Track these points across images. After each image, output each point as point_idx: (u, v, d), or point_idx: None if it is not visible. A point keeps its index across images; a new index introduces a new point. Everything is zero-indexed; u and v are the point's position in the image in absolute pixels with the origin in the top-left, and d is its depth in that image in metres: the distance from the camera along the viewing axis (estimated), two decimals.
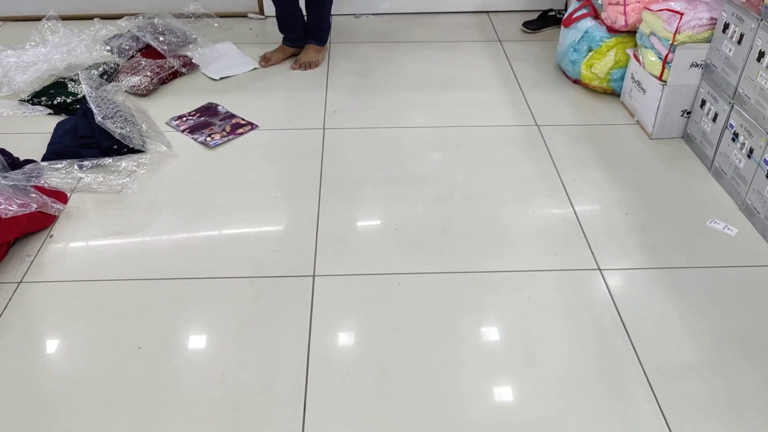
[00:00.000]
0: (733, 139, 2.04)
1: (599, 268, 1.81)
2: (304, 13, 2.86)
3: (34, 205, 1.89)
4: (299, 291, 1.74)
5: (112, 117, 2.23)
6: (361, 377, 1.50)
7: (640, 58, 2.37)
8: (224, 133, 2.40)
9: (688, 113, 2.31)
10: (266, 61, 2.88)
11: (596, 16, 2.63)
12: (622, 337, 1.60)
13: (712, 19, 2.14)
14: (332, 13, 3.22)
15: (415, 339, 1.60)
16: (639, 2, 2.40)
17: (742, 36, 1.98)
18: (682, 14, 2.15)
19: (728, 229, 1.94)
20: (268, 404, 1.44)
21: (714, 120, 2.15)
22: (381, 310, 1.68)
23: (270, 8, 3.30)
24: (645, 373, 1.51)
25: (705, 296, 1.72)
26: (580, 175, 2.20)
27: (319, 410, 1.43)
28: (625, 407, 1.44)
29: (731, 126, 2.06)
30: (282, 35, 2.91)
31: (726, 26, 2.06)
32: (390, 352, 1.57)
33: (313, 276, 1.79)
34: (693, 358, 1.55)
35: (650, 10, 2.29)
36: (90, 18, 3.10)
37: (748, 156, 1.97)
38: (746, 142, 1.98)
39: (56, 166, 2.13)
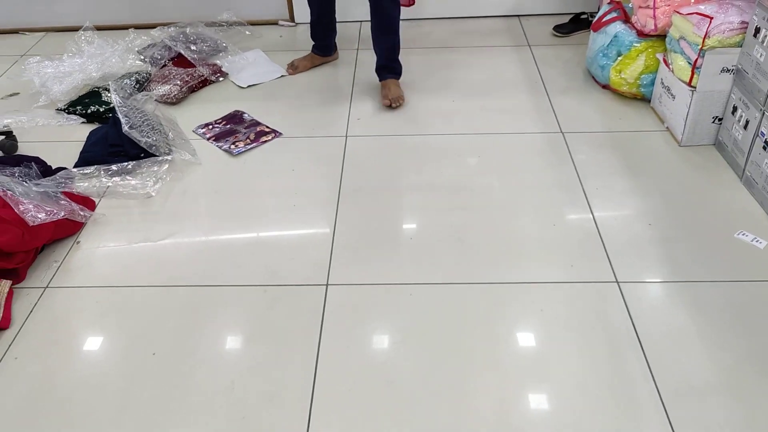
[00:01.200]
0: (765, 148, 1.96)
1: (617, 281, 1.76)
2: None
3: (63, 213, 1.96)
4: (312, 300, 1.75)
5: (139, 126, 2.30)
6: (368, 388, 1.51)
7: (670, 62, 2.31)
8: (248, 140, 2.44)
9: (720, 120, 2.23)
10: (294, 68, 2.90)
11: (626, 19, 2.57)
12: (637, 354, 1.56)
13: (743, 23, 2.06)
14: (361, 18, 3.25)
15: (423, 351, 1.59)
16: (669, 5, 2.33)
17: None
18: (711, 18, 2.08)
19: (757, 241, 1.86)
20: (274, 413, 1.46)
21: (745, 127, 2.07)
22: (392, 320, 1.68)
23: (300, 16, 3.35)
24: (659, 392, 1.47)
25: (727, 312, 1.66)
26: (604, 183, 2.15)
27: (324, 420, 1.44)
28: (636, 428, 1.40)
29: (762, 134, 1.98)
30: (312, 42, 2.92)
31: (757, 30, 1.98)
32: (398, 363, 1.56)
33: (327, 285, 1.80)
34: (711, 378, 1.50)
35: (680, 13, 2.22)
36: (126, 28, 3.20)
37: None
38: None
39: (85, 173, 2.20)
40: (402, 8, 2.61)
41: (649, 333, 1.61)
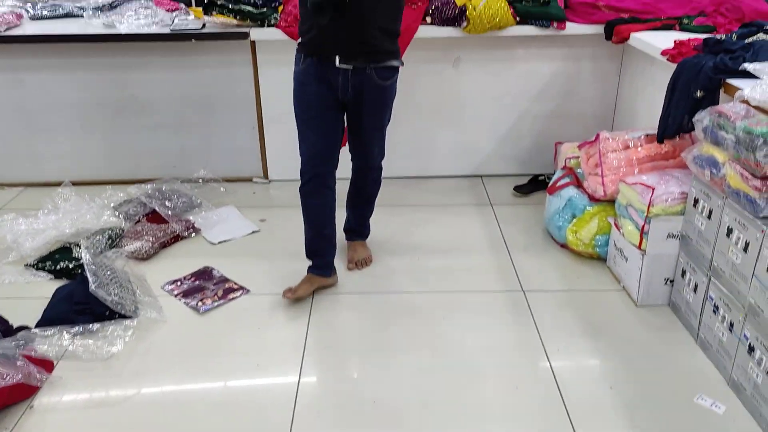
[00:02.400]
0: (714, 312, 2.04)
1: None
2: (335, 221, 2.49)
3: (19, 376, 1.92)
4: None
5: (107, 284, 2.32)
6: None
7: (620, 227, 2.44)
8: (216, 297, 2.46)
9: (672, 281, 2.33)
10: (293, 292, 2.39)
11: (579, 184, 2.75)
12: None
13: (682, 193, 2.23)
14: None
15: None
16: (615, 174, 2.51)
17: (711, 211, 2.05)
18: (653, 188, 2.25)
19: (716, 406, 1.88)
20: None
21: (695, 290, 2.17)
22: None
23: (274, 173, 3.51)
24: None
25: None
26: (565, 344, 2.18)
27: None
28: None
29: (711, 298, 2.07)
30: (309, 261, 2.49)
31: (696, 201, 2.14)
32: None
33: None
34: None
35: (626, 182, 2.39)
36: (105, 184, 3.32)
37: (729, 330, 1.96)
38: (726, 316, 1.98)
39: (46, 333, 2.18)
40: None
41: None
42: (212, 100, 3.36)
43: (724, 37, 2.34)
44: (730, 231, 1.94)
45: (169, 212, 3.00)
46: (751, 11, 2.87)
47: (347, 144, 2.50)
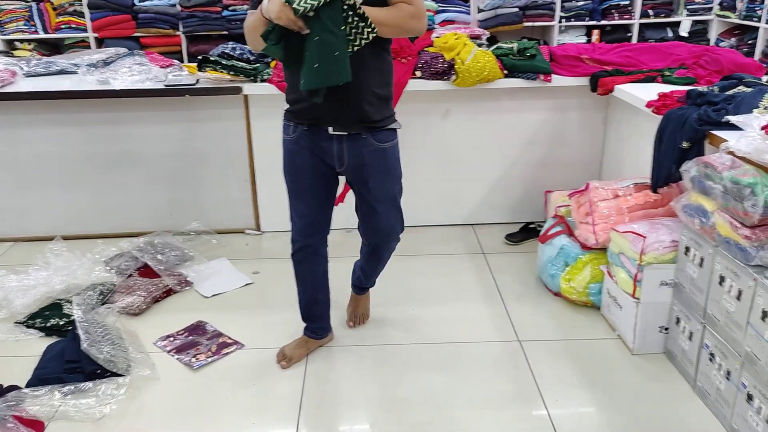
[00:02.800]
0: (711, 360, 2.05)
1: None
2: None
3: None
4: None
5: (99, 342, 2.29)
6: None
7: (613, 275, 2.46)
8: (209, 353, 2.44)
9: (667, 329, 2.34)
10: (288, 360, 2.37)
11: (570, 233, 2.78)
12: None
13: (673, 241, 2.26)
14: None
15: None
16: (606, 223, 2.54)
17: (702, 260, 2.07)
18: (644, 237, 2.28)
19: None
20: None
21: (690, 338, 2.18)
22: None
23: (266, 225, 3.52)
24: None
25: None
26: (563, 394, 2.17)
27: None
28: None
29: (707, 346, 2.07)
30: (305, 324, 2.45)
31: (687, 249, 2.16)
32: None
33: None
34: None
35: (617, 231, 2.42)
36: (97, 238, 3.31)
37: (727, 378, 1.96)
38: (723, 364, 1.98)
39: (36, 393, 2.14)
40: None
41: None
42: (205, 153, 3.38)
43: (706, 89, 2.42)
44: (722, 279, 1.96)
45: (162, 266, 2.98)
46: (729, 63, 2.97)
47: (358, 226, 2.39)
